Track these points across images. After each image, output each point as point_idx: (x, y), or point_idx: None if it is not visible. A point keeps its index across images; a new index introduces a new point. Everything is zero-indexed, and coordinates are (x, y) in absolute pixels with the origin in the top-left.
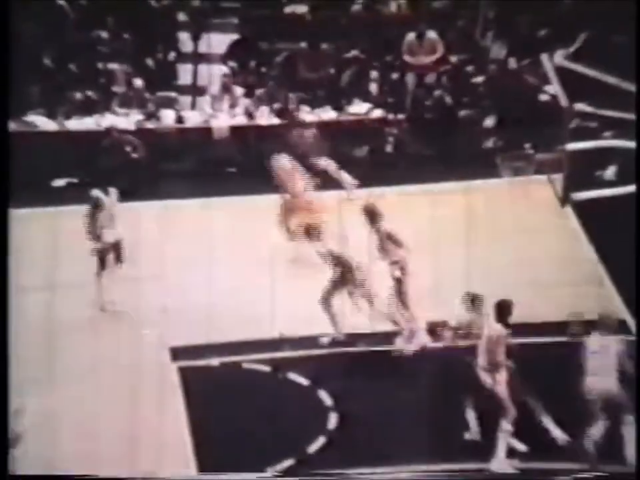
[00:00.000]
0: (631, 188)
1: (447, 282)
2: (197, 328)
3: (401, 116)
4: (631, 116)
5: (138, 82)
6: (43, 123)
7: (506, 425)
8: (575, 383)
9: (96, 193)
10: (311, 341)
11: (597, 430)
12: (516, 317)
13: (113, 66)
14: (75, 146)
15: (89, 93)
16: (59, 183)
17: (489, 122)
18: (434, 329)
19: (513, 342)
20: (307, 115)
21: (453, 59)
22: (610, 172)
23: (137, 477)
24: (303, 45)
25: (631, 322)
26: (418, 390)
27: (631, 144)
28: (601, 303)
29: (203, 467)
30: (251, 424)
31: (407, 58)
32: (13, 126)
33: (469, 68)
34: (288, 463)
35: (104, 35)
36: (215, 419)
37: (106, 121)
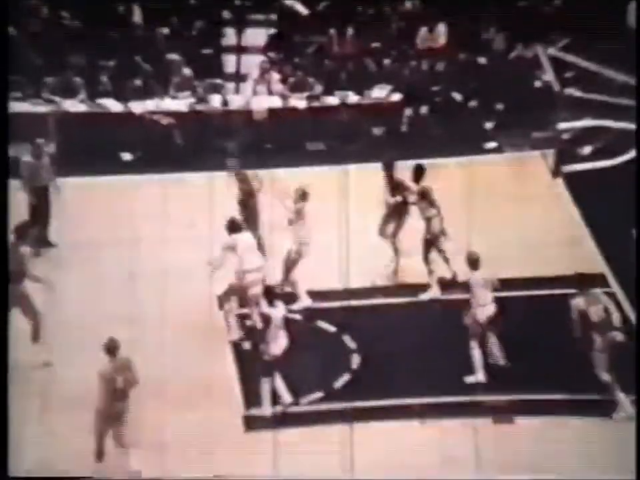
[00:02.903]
0: (610, 162)
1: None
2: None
3: (415, 99)
4: (612, 99)
5: (190, 70)
6: (111, 105)
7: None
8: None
9: None
10: (336, 294)
11: None
12: (509, 273)
13: (171, 57)
14: (135, 125)
15: (150, 80)
16: (127, 157)
17: (491, 104)
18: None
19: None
20: (332, 99)
21: (461, 49)
22: (588, 148)
23: (139, 477)
24: (330, 37)
25: (610, 276)
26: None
27: (610, 123)
28: (585, 260)
29: (249, 402)
30: (287, 364)
31: (420, 47)
32: (85, 107)
33: (475, 57)
34: (318, 395)
35: (165, 31)
36: (257, 359)
37: (163, 104)
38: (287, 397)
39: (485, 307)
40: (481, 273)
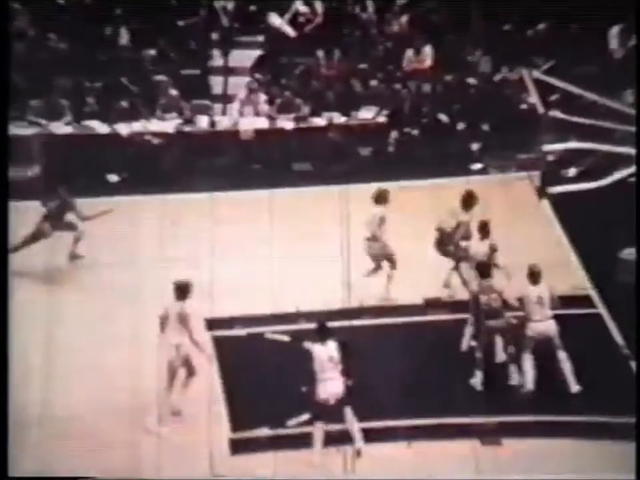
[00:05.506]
0: (594, 184)
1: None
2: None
3: (401, 120)
4: (596, 122)
5: (177, 92)
6: (97, 126)
7: None
8: None
9: None
10: (323, 315)
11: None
12: None
13: (158, 78)
14: (122, 147)
15: (137, 101)
16: (113, 178)
17: (477, 126)
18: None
19: None
20: (319, 120)
21: (446, 71)
22: (573, 170)
23: (137, 477)
24: (317, 59)
25: (595, 297)
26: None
27: (594, 145)
28: (571, 281)
29: (235, 424)
30: (272, 385)
31: (406, 69)
32: (70, 129)
33: (461, 79)
34: (305, 417)
35: (152, 53)
36: (243, 381)
37: (150, 125)
38: (359, 441)
39: (539, 323)
40: (536, 290)
